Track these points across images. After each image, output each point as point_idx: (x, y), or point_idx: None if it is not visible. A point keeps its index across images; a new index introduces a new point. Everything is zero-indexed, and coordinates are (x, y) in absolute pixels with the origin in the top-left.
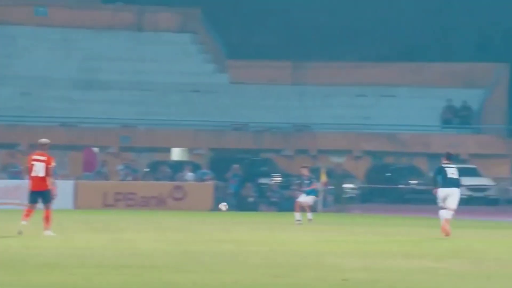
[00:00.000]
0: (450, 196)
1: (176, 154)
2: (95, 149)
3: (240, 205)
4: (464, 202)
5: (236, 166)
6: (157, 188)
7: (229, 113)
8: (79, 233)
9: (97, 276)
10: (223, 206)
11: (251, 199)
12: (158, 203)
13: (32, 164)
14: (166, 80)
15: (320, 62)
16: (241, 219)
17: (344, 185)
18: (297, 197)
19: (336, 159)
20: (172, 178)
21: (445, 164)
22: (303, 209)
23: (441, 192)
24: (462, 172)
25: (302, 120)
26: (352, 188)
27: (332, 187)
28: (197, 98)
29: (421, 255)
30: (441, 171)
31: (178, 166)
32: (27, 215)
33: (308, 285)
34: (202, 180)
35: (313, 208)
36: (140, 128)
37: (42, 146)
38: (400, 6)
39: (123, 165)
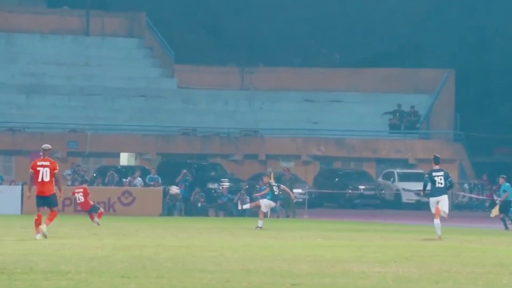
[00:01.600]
0: (441, 202)
1: (125, 159)
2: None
3: (189, 210)
4: (412, 207)
5: (184, 171)
6: (106, 193)
7: (177, 118)
8: (27, 239)
9: (44, 282)
10: (174, 189)
11: (200, 204)
12: (106, 208)
13: (38, 170)
14: (113, 85)
15: (268, 67)
16: (190, 224)
17: (293, 190)
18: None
19: (284, 164)
20: (120, 183)
21: (434, 170)
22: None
23: (432, 199)
24: (410, 177)
25: (251, 125)
26: (301, 193)
27: (281, 192)
28: (144, 103)
29: (370, 260)
30: (431, 179)
31: (126, 171)
32: (39, 221)
33: None
34: (151, 185)
35: (265, 214)
36: (87, 133)
37: (45, 152)
38: (349, 12)
39: (71, 170)
